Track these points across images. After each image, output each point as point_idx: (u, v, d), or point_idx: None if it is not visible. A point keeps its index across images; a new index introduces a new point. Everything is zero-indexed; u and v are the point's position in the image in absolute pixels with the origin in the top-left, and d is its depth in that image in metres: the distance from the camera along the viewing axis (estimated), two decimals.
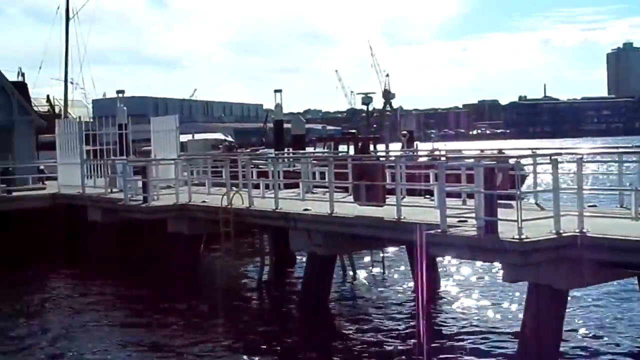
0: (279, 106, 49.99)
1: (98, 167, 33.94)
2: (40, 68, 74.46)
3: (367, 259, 25.90)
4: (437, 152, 30.50)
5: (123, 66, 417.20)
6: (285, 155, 38.91)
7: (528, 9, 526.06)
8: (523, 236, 13.48)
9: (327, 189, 21.95)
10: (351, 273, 24.85)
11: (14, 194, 32.48)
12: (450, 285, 23.08)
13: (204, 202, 24.94)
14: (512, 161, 16.31)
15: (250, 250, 27.97)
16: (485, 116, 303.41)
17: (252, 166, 26.30)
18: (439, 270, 23.49)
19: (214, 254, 26.76)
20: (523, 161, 18.60)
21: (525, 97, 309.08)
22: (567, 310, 15.09)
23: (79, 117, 48.43)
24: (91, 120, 49.34)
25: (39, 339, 18.82)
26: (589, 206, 16.78)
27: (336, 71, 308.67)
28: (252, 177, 24.94)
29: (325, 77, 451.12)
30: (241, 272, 25.91)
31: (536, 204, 18.92)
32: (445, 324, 18.92)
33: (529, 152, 21.27)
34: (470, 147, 47.22)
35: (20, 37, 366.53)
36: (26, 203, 31.76)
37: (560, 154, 16.57)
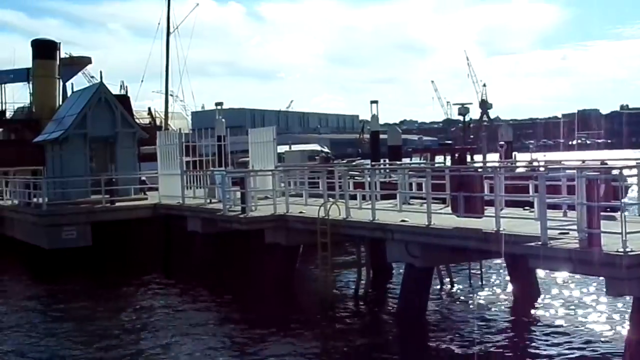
0: (375, 117, 49.92)
1: (197, 177, 34.57)
2: (142, 81, 76.93)
3: (465, 270, 25.64)
4: (535, 163, 30.03)
5: (221, 78, 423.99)
6: (382, 166, 38.86)
7: (630, 17, 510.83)
8: (628, 249, 13.14)
9: (424, 200, 21.82)
10: (449, 285, 24.62)
11: (117, 204, 33.34)
12: (550, 298, 22.60)
13: (301, 212, 25.12)
14: (615, 172, 15.94)
15: (347, 261, 27.97)
16: (585, 126, 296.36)
17: (349, 177, 26.35)
18: (538, 282, 23.09)
19: (310, 265, 26.89)
20: (626, 172, 18.14)
21: (627, 106, 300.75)
22: None
23: (179, 129, 49.52)
24: (191, 132, 50.33)
25: (137, 351, 19.17)
26: None
27: (432, 82, 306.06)
28: (348, 188, 24.99)
29: (421, 88, 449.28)
30: (338, 283, 25.95)
31: None
32: (544, 337, 18.55)
33: (633, 162, 20.74)
34: (570, 158, 46.24)
35: (122, 51, 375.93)
36: (128, 213, 32.55)
37: None
